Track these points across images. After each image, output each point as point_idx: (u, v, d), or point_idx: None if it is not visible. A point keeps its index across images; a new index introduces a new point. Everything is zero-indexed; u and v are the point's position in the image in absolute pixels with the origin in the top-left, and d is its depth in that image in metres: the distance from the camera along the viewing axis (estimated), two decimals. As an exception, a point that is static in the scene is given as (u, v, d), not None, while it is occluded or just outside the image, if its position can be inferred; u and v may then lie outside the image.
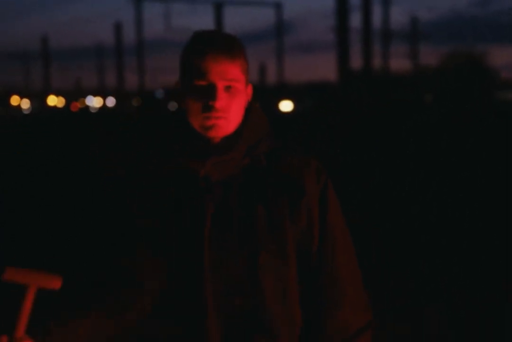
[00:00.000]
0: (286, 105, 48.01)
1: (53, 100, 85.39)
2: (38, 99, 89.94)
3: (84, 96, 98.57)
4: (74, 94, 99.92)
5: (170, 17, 55.90)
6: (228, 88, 2.04)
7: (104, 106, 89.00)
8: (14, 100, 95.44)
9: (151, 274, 2.01)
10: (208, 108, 2.01)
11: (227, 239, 2.01)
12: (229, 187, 2.06)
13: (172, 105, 68.76)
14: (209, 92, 2.01)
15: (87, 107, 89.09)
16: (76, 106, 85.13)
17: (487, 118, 34.98)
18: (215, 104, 2.00)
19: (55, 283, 2.12)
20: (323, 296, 2.10)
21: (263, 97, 66.52)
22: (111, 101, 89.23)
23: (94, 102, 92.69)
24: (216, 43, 2.04)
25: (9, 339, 2.06)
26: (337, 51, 26.89)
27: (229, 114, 2.03)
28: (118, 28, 65.18)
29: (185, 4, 58.04)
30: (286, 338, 2.06)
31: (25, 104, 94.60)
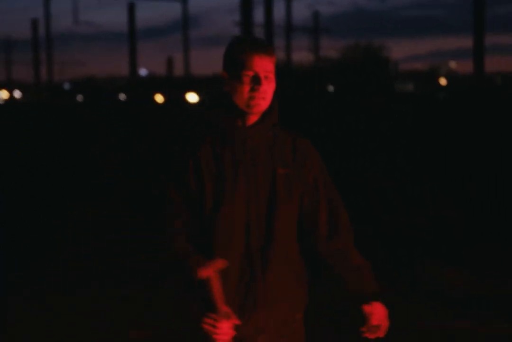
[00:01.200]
0: (192, 97, 49.55)
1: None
2: None
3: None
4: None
5: (78, 12, 55.09)
6: (266, 77, 2.70)
7: (11, 98, 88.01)
8: None
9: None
10: (254, 90, 2.67)
11: (253, 188, 2.72)
12: (258, 151, 2.74)
13: (79, 97, 67.99)
14: (255, 79, 2.68)
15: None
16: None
17: (385, 106, 35.91)
18: (260, 87, 2.67)
19: (224, 263, 2.57)
20: (327, 227, 2.83)
21: (171, 88, 66.49)
22: (18, 94, 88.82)
23: (1, 94, 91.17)
24: (259, 45, 2.72)
25: (221, 314, 2.53)
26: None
27: (266, 95, 2.70)
28: (34, 23, 63.51)
29: (93, -2, 57.22)
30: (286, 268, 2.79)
31: None
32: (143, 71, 79.03)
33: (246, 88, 2.68)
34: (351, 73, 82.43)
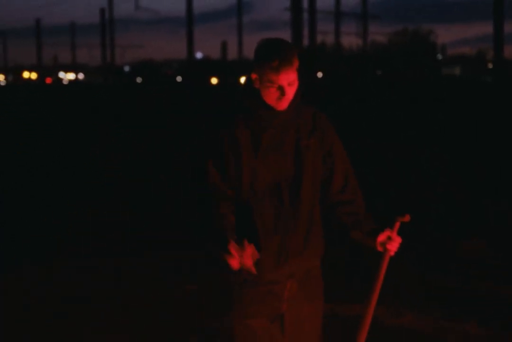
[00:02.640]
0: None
1: (26, 74, 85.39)
2: (14, 73, 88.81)
3: (57, 71, 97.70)
4: (49, 69, 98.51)
5: None
6: (289, 84, 2.97)
7: (76, 79, 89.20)
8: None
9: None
10: (279, 98, 2.98)
11: (283, 152, 3.05)
12: (286, 130, 3.06)
13: (138, 79, 68.55)
14: (281, 90, 2.97)
15: (61, 80, 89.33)
16: (49, 79, 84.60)
17: (433, 88, 35.75)
18: (284, 97, 2.97)
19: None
20: (340, 185, 3.17)
21: (225, 72, 66.57)
22: (81, 76, 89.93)
23: (66, 76, 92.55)
24: (286, 60, 2.93)
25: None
26: (291, 29, 26.99)
27: (290, 97, 3.00)
28: (102, 11, 63.67)
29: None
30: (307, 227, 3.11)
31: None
32: (198, 55, 79.03)
33: (273, 95, 2.98)
34: (399, 58, 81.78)
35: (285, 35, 39.49)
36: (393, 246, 3.11)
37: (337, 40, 55.66)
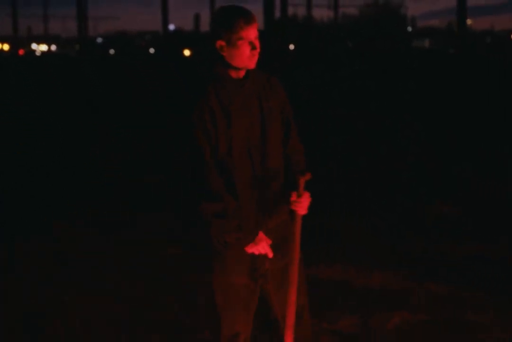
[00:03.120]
0: None
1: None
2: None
3: (30, 42, 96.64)
4: (22, 40, 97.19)
5: None
6: (256, 39, 3.18)
7: (49, 51, 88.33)
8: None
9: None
10: (252, 54, 3.16)
11: (248, 128, 3.23)
12: (250, 94, 3.24)
13: (112, 51, 68.12)
14: (252, 45, 3.15)
15: (34, 51, 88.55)
16: (22, 51, 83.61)
17: (402, 59, 36.01)
18: (255, 51, 3.17)
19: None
20: (289, 149, 3.38)
21: (197, 43, 66.27)
22: (54, 47, 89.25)
23: (39, 47, 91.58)
24: (248, 17, 3.13)
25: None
26: (263, 2, 26.96)
27: (258, 52, 3.20)
28: None
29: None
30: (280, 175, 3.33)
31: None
32: (171, 27, 78.46)
33: (246, 51, 3.14)
34: (369, 29, 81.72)
35: (257, 6, 39.28)
36: (300, 206, 3.24)
37: (309, 12, 55.57)
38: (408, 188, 8.56)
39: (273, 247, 3.27)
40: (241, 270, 3.28)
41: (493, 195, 8.02)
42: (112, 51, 65.96)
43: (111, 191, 8.60)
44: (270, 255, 3.21)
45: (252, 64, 3.19)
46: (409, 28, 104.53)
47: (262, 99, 3.27)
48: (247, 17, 3.13)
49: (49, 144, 12.47)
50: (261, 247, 3.20)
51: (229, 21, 3.11)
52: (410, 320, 4.69)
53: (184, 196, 6.40)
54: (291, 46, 66.28)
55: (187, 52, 61.82)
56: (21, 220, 7.27)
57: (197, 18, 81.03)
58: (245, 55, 3.15)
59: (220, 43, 3.15)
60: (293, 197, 3.24)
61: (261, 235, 3.22)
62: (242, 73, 3.23)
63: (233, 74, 3.22)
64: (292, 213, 3.26)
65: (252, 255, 3.25)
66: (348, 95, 20.12)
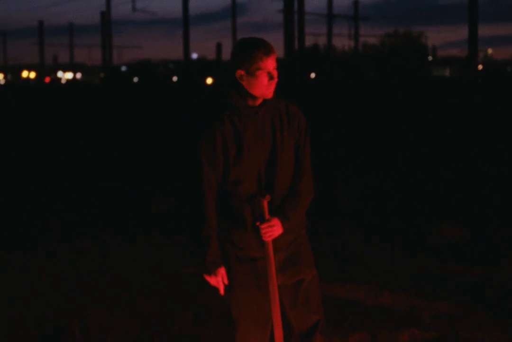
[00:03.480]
0: None
1: (25, 74, 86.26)
2: (13, 72, 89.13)
3: (56, 70, 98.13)
4: (48, 68, 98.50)
5: (135, 0, 54.74)
6: (274, 69, 3.33)
7: (74, 78, 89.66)
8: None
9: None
10: (269, 83, 3.31)
11: (260, 154, 3.37)
12: (265, 122, 3.38)
13: (135, 79, 68.86)
14: (270, 76, 3.31)
15: (59, 79, 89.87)
16: (48, 78, 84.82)
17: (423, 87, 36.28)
18: (273, 81, 3.32)
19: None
20: (300, 175, 3.47)
21: (219, 71, 66.85)
22: (79, 75, 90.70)
23: (64, 75, 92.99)
24: (267, 48, 3.29)
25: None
26: (284, 31, 27.26)
27: (275, 82, 3.34)
28: (103, 14, 63.09)
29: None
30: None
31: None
32: (194, 55, 79.29)
33: (264, 81, 3.29)
34: (390, 59, 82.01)
35: (278, 36, 39.62)
36: (264, 234, 3.36)
37: (329, 41, 55.99)
38: (420, 209, 8.71)
39: (284, 263, 3.45)
40: (248, 281, 3.45)
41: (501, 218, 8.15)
42: (136, 79, 66.60)
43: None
44: (221, 292, 3.40)
45: (269, 93, 3.33)
46: (430, 58, 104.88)
47: (276, 128, 3.39)
48: (266, 49, 3.29)
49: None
50: (215, 280, 3.39)
51: (249, 52, 3.28)
52: (419, 337, 4.81)
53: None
54: (312, 75, 66.67)
55: (209, 80, 62.38)
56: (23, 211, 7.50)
57: (219, 47, 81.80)
58: (263, 84, 3.29)
59: (240, 72, 3.31)
60: (257, 222, 3.36)
61: (222, 270, 3.38)
62: (258, 101, 3.37)
63: (250, 102, 3.35)
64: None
65: (258, 267, 3.43)
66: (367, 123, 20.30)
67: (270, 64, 3.29)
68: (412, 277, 6.09)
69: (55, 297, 5.67)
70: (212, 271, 3.37)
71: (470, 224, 7.98)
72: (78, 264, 6.64)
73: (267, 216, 3.33)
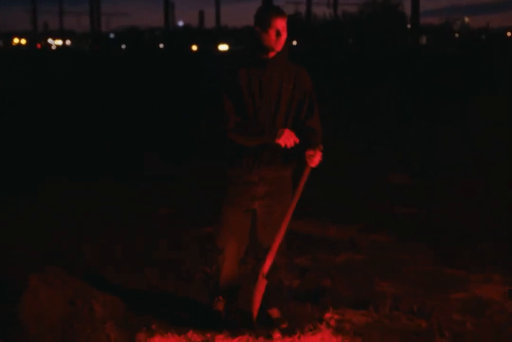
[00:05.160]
0: (223, 47, 50.60)
1: (16, 40, 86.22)
2: (5, 39, 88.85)
3: (47, 37, 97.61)
4: (39, 35, 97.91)
5: None
6: (283, 30, 4.03)
7: (64, 45, 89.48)
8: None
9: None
10: (277, 39, 4.01)
11: (267, 98, 4.06)
12: (275, 73, 4.06)
13: (123, 46, 68.97)
14: (278, 33, 4.01)
15: (50, 45, 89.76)
16: (39, 45, 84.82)
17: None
18: (280, 38, 4.02)
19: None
20: (306, 115, 4.16)
21: (203, 39, 67.05)
22: (68, 42, 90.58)
23: (54, 42, 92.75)
24: (279, 12, 4.04)
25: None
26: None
27: (283, 41, 4.03)
28: None
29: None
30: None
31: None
32: (180, 23, 79.17)
33: (273, 38, 4.01)
34: (370, 26, 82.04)
35: (258, 4, 40.22)
36: (313, 161, 4.03)
37: (309, 9, 56.37)
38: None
39: (269, 195, 4.18)
40: (237, 201, 4.20)
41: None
42: (124, 46, 66.65)
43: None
44: (297, 140, 3.98)
45: (278, 47, 4.04)
46: (408, 26, 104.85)
47: (283, 80, 4.08)
48: (277, 12, 4.05)
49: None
50: (286, 137, 3.96)
51: (263, 13, 4.07)
52: (354, 258, 5.68)
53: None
54: (294, 42, 66.98)
55: (194, 47, 62.68)
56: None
57: (201, 15, 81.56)
58: (272, 39, 4.01)
59: (256, 29, 4.06)
60: (310, 152, 4.02)
61: (280, 129, 3.99)
62: (271, 55, 4.06)
63: (263, 55, 4.06)
64: (304, 165, 4.05)
65: (246, 190, 4.16)
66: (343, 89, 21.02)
67: (279, 24, 4.01)
68: (355, 216, 6.99)
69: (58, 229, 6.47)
70: (277, 134, 3.97)
71: (417, 174, 8.89)
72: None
73: (316, 150, 4.02)
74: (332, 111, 15.21)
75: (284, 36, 4.05)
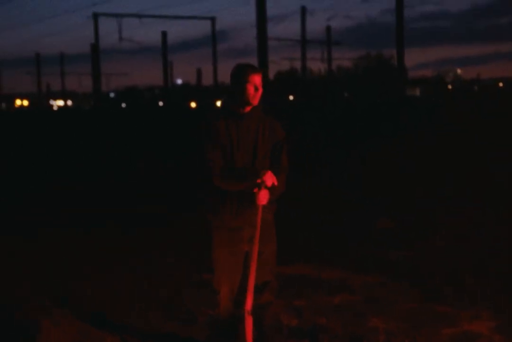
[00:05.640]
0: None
1: (19, 102, 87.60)
2: (7, 100, 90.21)
3: (48, 98, 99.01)
4: (39, 96, 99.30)
5: (122, 31, 55.77)
6: (259, 85, 4.35)
7: (65, 105, 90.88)
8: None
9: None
10: (255, 93, 4.34)
11: (246, 147, 4.37)
12: (251, 124, 4.38)
13: (123, 105, 69.93)
14: (256, 88, 4.33)
15: (51, 106, 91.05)
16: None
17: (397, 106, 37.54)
18: (257, 93, 4.35)
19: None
20: (278, 168, 4.44)
21: (201, 96, 68.13)
22: (69, 102, 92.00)
23: (56, 103, 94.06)
24: (255, 69, 4.38)
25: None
26: (258, 56, 28.46)
27: (259, 94, 4.36)
28: (93, 46, 63.75)
29: (135, 18, 58.36)
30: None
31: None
32: (178, 81, 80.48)
33: (251, 91, 4.33)
34: (364, 80, 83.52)
35: (255, 61, 40.99)
36: (259, 199, 4.30)
37: (304, 65, 57.41)
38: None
39: (251, 236, 4.39)
40: (224, 243, 4.45)
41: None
42: (123, 105, 67.69)
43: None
44: (276, 182, 4.29)
45: (255, 101, 4.36)
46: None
47: (259, 130, 4.42)
48: (253, 68, 4.40)
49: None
50: (269, 176, 4.28)
51: (241, 70, 4.38)
52: (348, 299, 5.90)
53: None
54: (291, 97, 68.04)
55: (193, 104, 63.60)
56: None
57: (199, 73, 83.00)
58: (250, 93, 4.33)
59: (234, 85, 4.37)
60: (255, 189, 4.27)
61: (263, 170, 4.31)
62: (247, 109, 4.39)
63: (241, 110, 4.38)
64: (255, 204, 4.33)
65: (234, 236, 4.44)
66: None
67: (256, 79, 4.33)
68: (349, 257, 7.24)
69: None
70: (261, 173, 4.28)
71: (398, 217, 9.19)
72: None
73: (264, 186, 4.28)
74: (326, 161, 15.61)
75: (260, 91, 4.37)
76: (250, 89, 4.32)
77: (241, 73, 4.36)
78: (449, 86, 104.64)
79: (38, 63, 77.98)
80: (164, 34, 53.87)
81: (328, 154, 16.67)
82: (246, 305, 4.41)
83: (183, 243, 8.06)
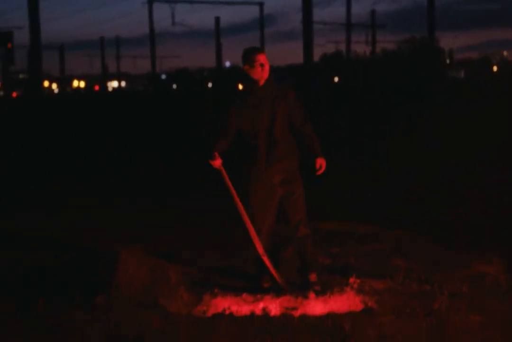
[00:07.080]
0: None
1: (76, 83, 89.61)
2: (64, 82, 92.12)
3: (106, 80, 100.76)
4: (96, 78, 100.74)
5: (175, 15, 56.95)
6: (265, 62, 5.20)
7: (119, 86, 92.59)
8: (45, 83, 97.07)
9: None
10: (262, 70, 5.17)
11: (264, 113, 5.21)
12: (265, 97, 5.20)
13: (174, 86, 70.90)
14: (262, 66, 5.16)
15: (107, 87, 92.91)
16: (97, 87, 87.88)
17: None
18: (264, 69, 5.18)
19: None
20: (300, 123, 5.29)
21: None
22: (123, 83, 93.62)
23: (111, 84, 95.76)
24: (259, 49, 5.29)
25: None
26: (303, 39, 28.93)
27: (267, 70, 5.19)
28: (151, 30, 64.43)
29: (187, 4, 59.45)
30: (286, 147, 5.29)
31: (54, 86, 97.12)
32: (227, 63, 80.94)
33: (258, 69, 5.18)
34: (407, 63, 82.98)
35: (300, 44, 41.36)
36: (320, 170, 5.24)
37: (348, 48, 57.52)
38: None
39: (281, 182, 5.24)
40: (261, 190, 5.29)
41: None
42: (174, 86, 68.56)
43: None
44: (217, 166, 5.24)
45: (264, 76, 5.19)
46: (447, 61, 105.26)
47: (274, 101, 5.19)
48: (258, 50, 5.29)
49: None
50: (217, 163, 5.24)
51: (248, 53, 5.26)
52: (375, 247, 6.65)
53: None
54: (336, 79, 67.90)
55: (240, 86, 64.16)
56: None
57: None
58: (258, 71, 5.18)
59: (245, 67, 5.24)
60: (317, 162, 5.22)
61: (219, 160, 5.24)
62: (261, 83, 5.21)
63: (255, 85, 5.22)
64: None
65: (267, 182, 5.24)
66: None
67: (261, 58, 5.17)
68: (383, 216, 8.01)
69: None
70: (214, 158, 5.21)
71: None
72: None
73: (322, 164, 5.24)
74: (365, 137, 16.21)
75: (266, 66, 5.17)
76: (258, 67, 5.13)
77: (248, 56, 5.19)
78: (495, 68, 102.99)
79: (102, 47, 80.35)
80: (217, 20, 54.96)
81: (363, 130, 17.26)
82: (258, 250, 5.26)
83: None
